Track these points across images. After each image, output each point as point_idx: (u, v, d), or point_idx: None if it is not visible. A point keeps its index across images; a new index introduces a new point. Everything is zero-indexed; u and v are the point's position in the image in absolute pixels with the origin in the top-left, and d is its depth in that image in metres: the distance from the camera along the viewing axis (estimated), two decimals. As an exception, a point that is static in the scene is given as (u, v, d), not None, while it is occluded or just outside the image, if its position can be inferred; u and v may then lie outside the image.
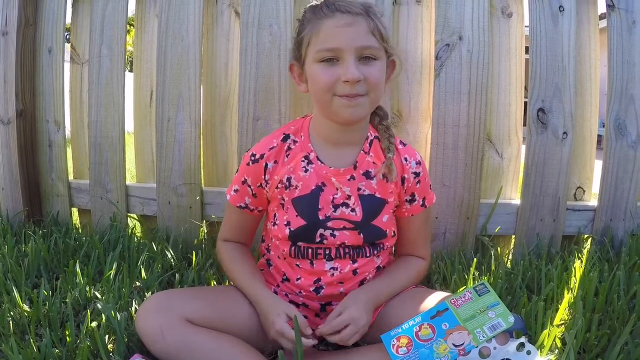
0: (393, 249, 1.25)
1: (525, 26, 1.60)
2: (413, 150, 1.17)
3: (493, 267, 1.42)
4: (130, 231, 1.74)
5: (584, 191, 1.68)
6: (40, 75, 1.88)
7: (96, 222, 1.83)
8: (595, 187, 1.68)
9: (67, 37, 1.93)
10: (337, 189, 1.09)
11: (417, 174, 1.14)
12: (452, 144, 1.55)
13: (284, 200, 1.11)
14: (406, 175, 1.13)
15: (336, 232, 1.08)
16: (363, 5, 1.03)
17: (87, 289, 1.27)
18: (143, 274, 1.39)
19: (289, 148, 1.12)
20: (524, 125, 1.60)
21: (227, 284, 1.38)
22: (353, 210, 1.08)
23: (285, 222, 1.10)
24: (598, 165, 1.62)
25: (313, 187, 1.08)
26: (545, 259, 1.45)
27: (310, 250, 1.10)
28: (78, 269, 1.33)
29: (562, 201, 1.59)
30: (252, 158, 1.13)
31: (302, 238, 1.09)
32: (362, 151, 1.11)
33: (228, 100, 1.72)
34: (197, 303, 1.03)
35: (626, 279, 1.29)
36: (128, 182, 1.82)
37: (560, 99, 1.55)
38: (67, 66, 1.88)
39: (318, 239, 1.08)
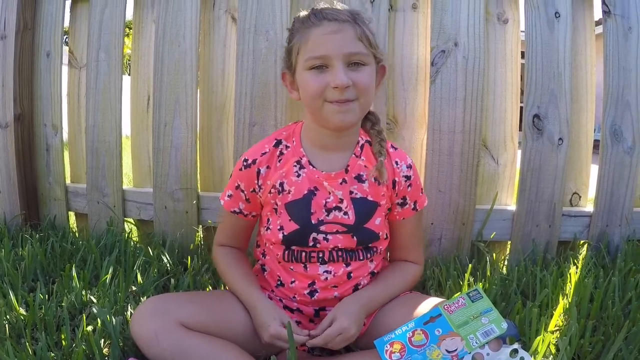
0: (387, 253, 1.25)
1: (521, 32, 1.60)
2: (404, 154, 1.18)
3: (488, 273, 1.42)
4: (126, 236, 1.74)
5: (580, 197, 1.69)
6: (38, 80, 1.88)
7: (93, 226, 1.83)
8: (591, 192, 1.69)
9: (66, 40, 1.94)
10: (330, 193, 1.09)
11: (408, 177, 1.15)
12: (448, 150, 1.56)
13: (277, 205, 1.12)
14: (397, 179, 1.14)
15: (329, 236, 1.09)
16: (350, 12, 1.04)
17: (83, 293, 1.27)
18: (139, 278, 1.39)
19: (281, 153, 1.13)
20: (520, 131, 1.61)
21: (222, 288, 1.38)
22: (346, 213, 1.09)
23: (279, 227, 1.11)
24: (594, 171, 1.63)
25: (305, 192, 1.09)
26: (540, 265, 1.45)
27: (303, 254, 1.10)
28: (74, 273, 1.33)
29: (557, 207, 1.60)
30: (245, 163, 1.14)
31: (296, 242, 1.10)
32: (353, 155, 1.12)
33: (224, 105, 1.72)
34: (193, 308, 1.03)
35: (621, 285, 1.29)
36: (125, 186, 1.83)
37: (555, 105, 1.56)
38: (65, 70, 1.89)
39: (311, 243, 1.09)
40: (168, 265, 1.50)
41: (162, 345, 0.95)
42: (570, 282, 1.34)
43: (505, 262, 1.64)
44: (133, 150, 1.86)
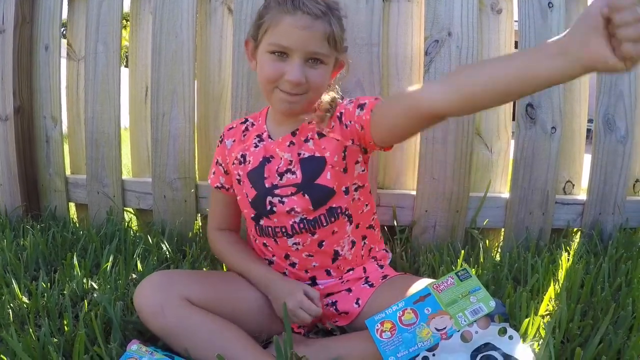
0: (379, 230, 1.28)
1: (515, 21, 1.62)
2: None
3: (482, 260, 1.44)
4: (126, 225, 1.76)
5: (574, 185, 1.70)
6: (37, 72, 1.90)
7: (93, 216, 1.86)
8: (585, 181, 1.70)
9: (64, 33, 1.95)
10: (281, 159, 1.14)
11: (350, 101, 1.12)
12: (442, 138, 1.57)
13: (239, 175, 1.19)
14: (342, 111, 1.12)
15: (285, 199, 1.12)
16: (328, 5, 1.05)
17: (85, 281, 1.29)
18: (139, 266, 1.41)
19: (246, 129, 1.23)
20: (513, 120, 1.62)
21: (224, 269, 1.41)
22: (294, 173, 1.13)
23: (246, 194, 1.18)
24: (588, 161, 1.64)
25: (260, 159, 1.16)
26: (533, 252, 1.47)
27: (270, 229, 1.15)
28: (75, 262, 1.35)
29: (551, 195, 1.61)
30: (220, 139, 1.28)
31: (257, 209, 1.15)
32: (305, 120, 1.14)
33: (221, 95, 1.74)
34: (199, 285, 1.05)
35: (613, 272, 1.31)
36: (124, 176, 1.85)
37: (549, 94, 1.57)
38: (63, 62, 1.90)
39: (268, 207, 1.13)
40: (167, 253, 1.53)
41: (167, 318, 0.97)
42: (561, 268, 1.36)
43: (499, 250, 1.66)
44: (132, 140, 1.87)
